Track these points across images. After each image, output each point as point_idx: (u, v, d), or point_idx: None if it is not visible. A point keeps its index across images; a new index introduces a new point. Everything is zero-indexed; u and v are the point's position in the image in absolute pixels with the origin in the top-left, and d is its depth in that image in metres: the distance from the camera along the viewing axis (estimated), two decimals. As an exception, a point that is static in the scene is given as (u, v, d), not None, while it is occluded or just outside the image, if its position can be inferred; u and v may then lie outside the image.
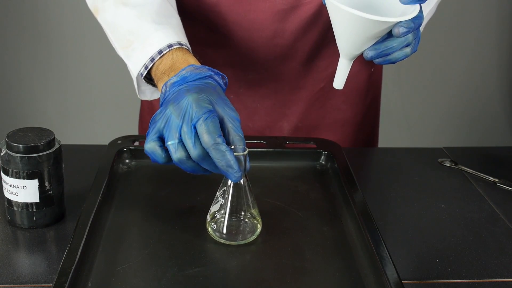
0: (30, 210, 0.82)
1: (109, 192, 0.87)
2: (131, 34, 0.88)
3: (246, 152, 0.75)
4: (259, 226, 0.79)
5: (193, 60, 0.83)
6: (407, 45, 0.80)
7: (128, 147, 0.97)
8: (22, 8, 2.19)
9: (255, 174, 0.89)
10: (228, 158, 0.71)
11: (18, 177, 0.80)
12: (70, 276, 0.68)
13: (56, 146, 0.82)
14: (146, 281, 0.71)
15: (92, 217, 0.78)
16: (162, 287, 0.70)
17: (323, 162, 0.99)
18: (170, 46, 0.84)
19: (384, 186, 0.98)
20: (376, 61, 0.79)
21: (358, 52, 0.78)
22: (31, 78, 2.30)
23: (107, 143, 0.98)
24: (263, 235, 0.79)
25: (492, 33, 2.35)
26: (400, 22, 0.73)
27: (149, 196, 0.89)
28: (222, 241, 0.78)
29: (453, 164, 1.06)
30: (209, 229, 0.79)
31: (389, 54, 0.78)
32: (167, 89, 0.78)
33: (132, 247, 0.77)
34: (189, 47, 0.87)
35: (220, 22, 1.02)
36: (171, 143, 0.72)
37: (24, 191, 0.81)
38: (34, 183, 0.80)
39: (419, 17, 0.75)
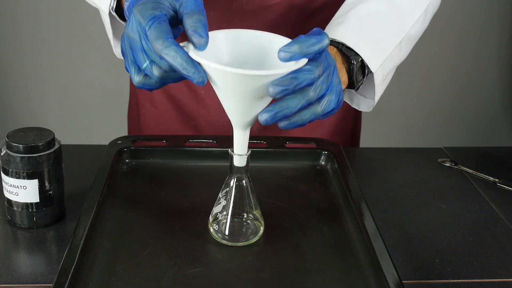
0: (30, 210, 0.82)
1: (109, 192, 0.87)
2: None
3: (248, 153, 0.75)
4: (262, 228, 0.79)
5: None
6: (309, 104, 0.67)
7: (128, 147, 0.97)
8: (22, 8, 2.19)
9: (255, 174, 0.89)
10: (180, 60, 0.63)
11: (18, 177, 0.80)
12: (70, 276, 0.68)
13: (56, 146, 0.82)
14: (146, 281, 0.71)
15: (92, 217, 0.78)
16: (162, 287, 0.70)
17: (323, 162, 0.99)
18: None
19: (384, 186, 0.98)
20: (281, 125, 0.67)
21: (248, 119, 0.69)
22: (31, 78, 2.30)
23: (107, 143, 0.98)
24: (263, 235, 0.79)
25: (492, 33, 2.35)
26: (273, 79, 0.62)
27: (149, 196, 0.89)
28: (224, 242, 0.78)
29: (453, 164, 1.05)
30: (211, 230, 0.79)
31: (288, 116, 0.67)
32: (128, 14, 0.73)
33: (132, 247, 0.77)
34: None
35: None
36: (145, 67, 0.67)
37: (24, 191, 0.81)
38: (34, 183, 0.80)
39: (307, 71, 0.64)
